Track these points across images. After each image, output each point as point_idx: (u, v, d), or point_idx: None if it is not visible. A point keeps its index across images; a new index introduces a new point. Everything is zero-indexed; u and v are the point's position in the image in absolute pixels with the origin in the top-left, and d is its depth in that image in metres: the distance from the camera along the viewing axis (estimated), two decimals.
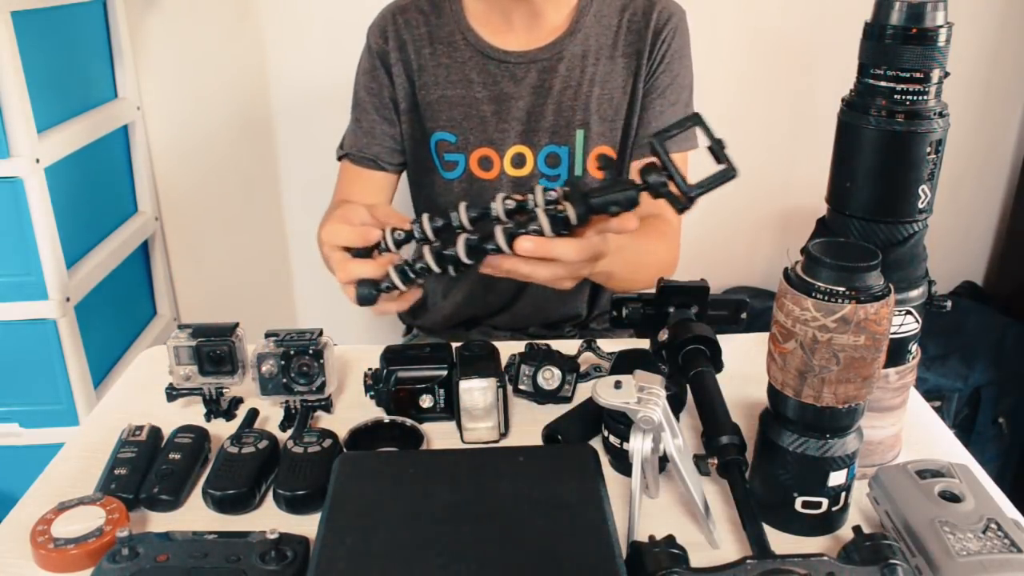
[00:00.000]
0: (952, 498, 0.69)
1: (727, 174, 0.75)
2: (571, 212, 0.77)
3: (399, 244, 0.83)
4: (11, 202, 1.38)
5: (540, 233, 0.77)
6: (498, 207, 0.80)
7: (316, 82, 1.85)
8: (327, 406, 0.91)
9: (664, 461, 0.77)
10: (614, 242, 0.85)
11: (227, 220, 1.98)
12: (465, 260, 0.79)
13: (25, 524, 0.73)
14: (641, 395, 0.70)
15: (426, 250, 0.80)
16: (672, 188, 0.76)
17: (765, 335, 0.73)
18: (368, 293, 0.82)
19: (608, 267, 0.91)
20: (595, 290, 1.32)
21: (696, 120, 0.76)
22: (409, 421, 0.88)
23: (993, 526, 0.65)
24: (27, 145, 1.37)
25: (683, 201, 0.75)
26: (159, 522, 0.77)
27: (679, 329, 0.85)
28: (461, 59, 1.18)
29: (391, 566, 0.63)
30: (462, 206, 0.82)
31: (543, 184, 0.80)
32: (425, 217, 0.82)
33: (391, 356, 0.91)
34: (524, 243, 0.77)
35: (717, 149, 0.75)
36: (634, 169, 1.18)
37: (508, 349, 0.97)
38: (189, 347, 0.89)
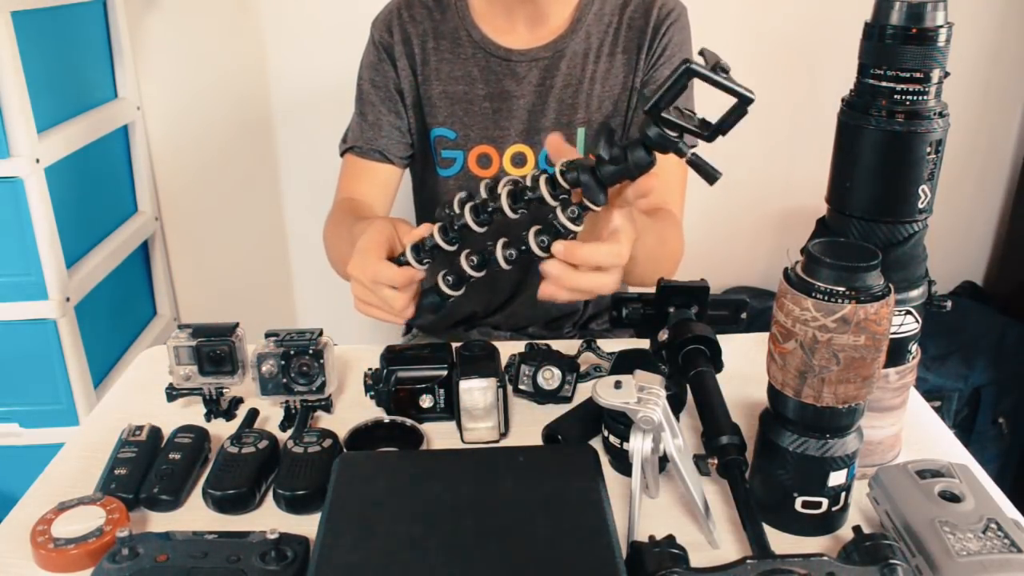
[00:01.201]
0: (952, 498, 0.69)
1: (744, 102, 0.70)
2: (590, 203, 0.77)
3: (422, 262, 0.85)
4: (11, 202, 1.38)
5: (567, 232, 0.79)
6: (504, 205, 0.80)
7: (316, 82, 1.85)
8: (327, 406, 0.91)
9: (664, 461, 0.77)
10: (639, 222, 0.86)
11: (227, 220, 1.98)
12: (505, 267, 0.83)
13: (25, 524, 0.73)
14: (641, 395, 0.70)
15: (463, 261, 0.83)
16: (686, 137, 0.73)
17: (765, 335, 0.73)
18: (435, 300, 0.86)
19: (634, 251, 0.91)
20: None
21: (690, 71, 0.69)
22: (409, 421, 0.88)
23: (993, 526, 0.65)
24: (27, 145, 1.37)
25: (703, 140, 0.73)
26: (159, 522, 0.77)
27: (679, 329, 0.85)
28: (464, 56, 1.18)
29: (391, 566, 0.63)
30: (467, 209, 0.82)
31: (543, 169, 0.81)
32: (436, 231, 0.84)
33: (391, 356, 0.91)
34: (558, 248, 0.79)
35: (725, 79, 0.69)
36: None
37: (508, 349, 0.97)
38: (189, 347, 0.89)
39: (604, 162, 0.76)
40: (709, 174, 0.74)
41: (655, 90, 0.71)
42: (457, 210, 0.83)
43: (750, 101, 0.70)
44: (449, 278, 0.84)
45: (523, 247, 0.80)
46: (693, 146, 0.75)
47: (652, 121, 0.72)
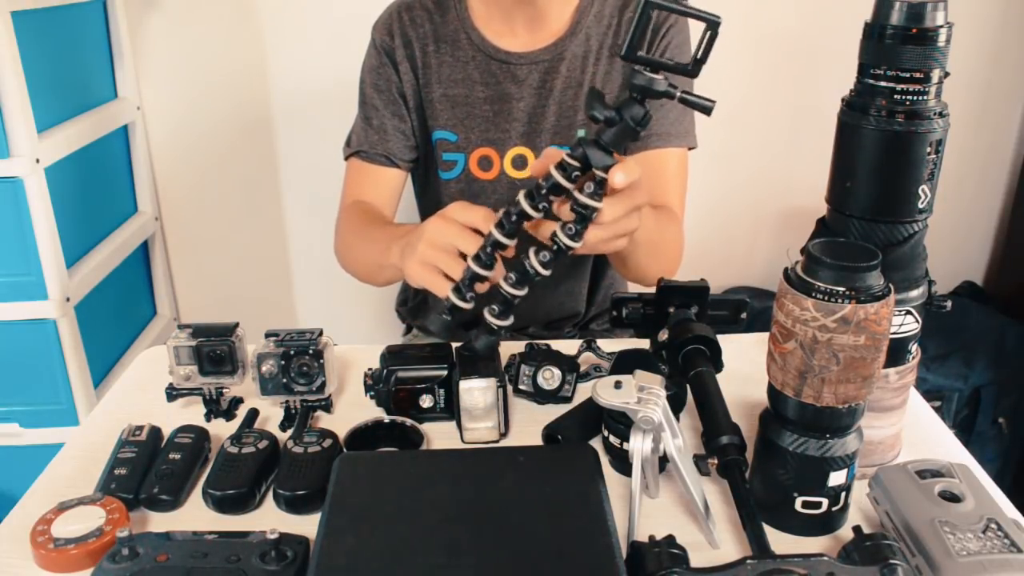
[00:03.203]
0: (952, 498, 0.69)
1: (711, 25, 0.72)
2: (601, 172, 0.76)
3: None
4: (11, 202, 1.38)
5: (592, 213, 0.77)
6: (523, 202, 0.79)
7: (316, 82, 1.85)
8: (327, 406, 0.91)
9: (664, 461, 0.77)
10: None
11: (227, 220, 1.98)
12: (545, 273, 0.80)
13: (25, 524, 0.73)
14: (641, 395, 0.70)
15: (503, 283, 0.81)
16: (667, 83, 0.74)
17: (765, 335, 0.73)
18: (489, 339, 0.82)
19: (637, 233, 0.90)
20: (593, 287, 1.32)
21: (649, 4, 0.71)
22: (409, 421, 0.88)
23: (993, 526, 0.65)
24: (27, 145, 1.37)
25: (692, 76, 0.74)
26: (159, 522, 0.77)
27: (679, 329, 0.85)
28: (464, 58, 1.18)
29: (391, 566, 0.63)
30: (492, 227, 0.80)
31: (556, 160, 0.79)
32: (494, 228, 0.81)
33: (391, 356, 0.91)
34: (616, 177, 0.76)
35: (687, 7, 0.73)
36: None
37: (508, 349, 0.97)
38: (189, 347, 0.89)
39: (602, 125, 0.76)
40: (704, 107, 0.75)
41: (625, 35, 0.73)
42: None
43: (717, 23, 0.71)
44: (495, 307, 0.80)
45: (555, 245, 0.79)
46: (675, 87, 0.75)
47: (633, 69, 0.74)
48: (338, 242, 1.20)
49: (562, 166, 0.77)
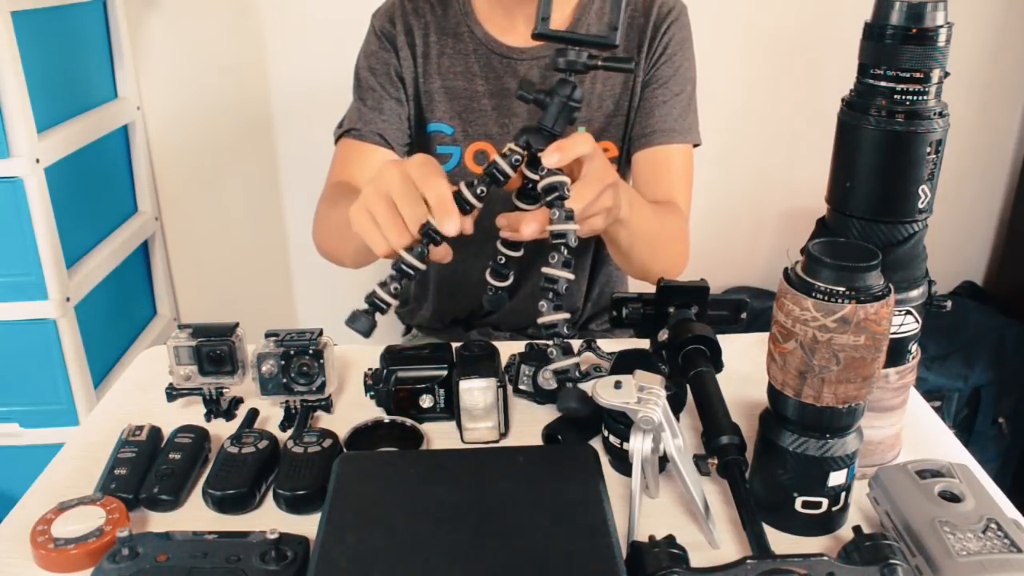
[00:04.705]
0: (952, 498, 0.69)
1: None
2: (546, 158, 0.76)
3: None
4: (11, 202, 1.38)
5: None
6: (466, 193, 0.76)
7: (316, 82, 1.85)
8: (327, 406, 0.91)
9: (664, 461, 0.77)
10: (630, 193, 0.85)
11: (227, 220, 1.98)
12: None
13: (25, 524, 0.73)
14: (641, 395, 0.70)
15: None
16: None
17: (765, 335, 0.73)
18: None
19: (626, 215, 0.90)
20: (591, 285, 1.32)
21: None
22: (409, 421, 0.88)
23: (993, 526, 0.65)
24: (27, 145, 1.37)
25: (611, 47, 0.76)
26: (159, 522, 0.77)
27: (679, 329, 0.85)
28: (465, 51, 1.18)
29: (391, 566, 0.63)
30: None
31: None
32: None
33: (391, 356, 0.91)
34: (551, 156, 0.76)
35: None
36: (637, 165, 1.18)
37: (508, 349, 0.97)
38: (189, 347, 0.89)
39: (542, 113, 0.77)
40: (625, 68, 0.78)
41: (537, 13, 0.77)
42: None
43: None
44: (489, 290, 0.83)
45: (558, 242, 0.76)
46: (595, 57, 0.77)
47: (556, 48, 0.77)
48: (316, 219, 1.15)
49: (504, 154, 0.77)
